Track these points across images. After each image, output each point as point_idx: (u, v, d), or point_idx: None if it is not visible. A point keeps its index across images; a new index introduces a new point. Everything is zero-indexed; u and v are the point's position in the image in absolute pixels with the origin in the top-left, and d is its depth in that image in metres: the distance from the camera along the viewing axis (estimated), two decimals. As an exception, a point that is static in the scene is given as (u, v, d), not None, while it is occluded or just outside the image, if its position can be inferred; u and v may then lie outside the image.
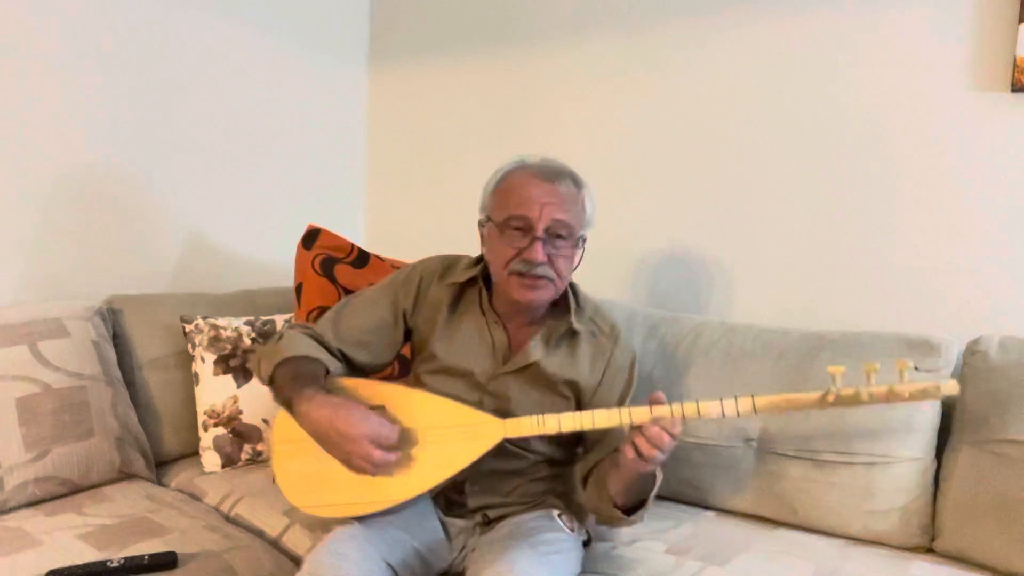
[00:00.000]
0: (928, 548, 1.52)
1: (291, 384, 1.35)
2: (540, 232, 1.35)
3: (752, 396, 1.23)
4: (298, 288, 2.01)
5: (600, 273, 2.19)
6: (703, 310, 2.02)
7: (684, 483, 1.72)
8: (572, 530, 1.41)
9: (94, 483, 1.76)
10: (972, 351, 1.57)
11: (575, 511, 1.49)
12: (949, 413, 1.57)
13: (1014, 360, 1.50)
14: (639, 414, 1.23)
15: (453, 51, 2.49)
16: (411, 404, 1.37)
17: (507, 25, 2.36)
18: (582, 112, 2.23)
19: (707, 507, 1.71)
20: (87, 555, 1.45)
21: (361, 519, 1.34)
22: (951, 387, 1.15)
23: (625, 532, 1.56)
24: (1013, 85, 1.60)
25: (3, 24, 1.87)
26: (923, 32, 1.72)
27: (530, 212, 1.36)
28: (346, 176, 2.70)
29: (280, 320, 2.04)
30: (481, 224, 1.46)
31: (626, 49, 2.14)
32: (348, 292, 1.94)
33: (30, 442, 1.66)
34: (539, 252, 1.35)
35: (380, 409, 1.35)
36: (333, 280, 1.98)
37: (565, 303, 1.47)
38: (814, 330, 1.70)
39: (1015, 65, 1.59)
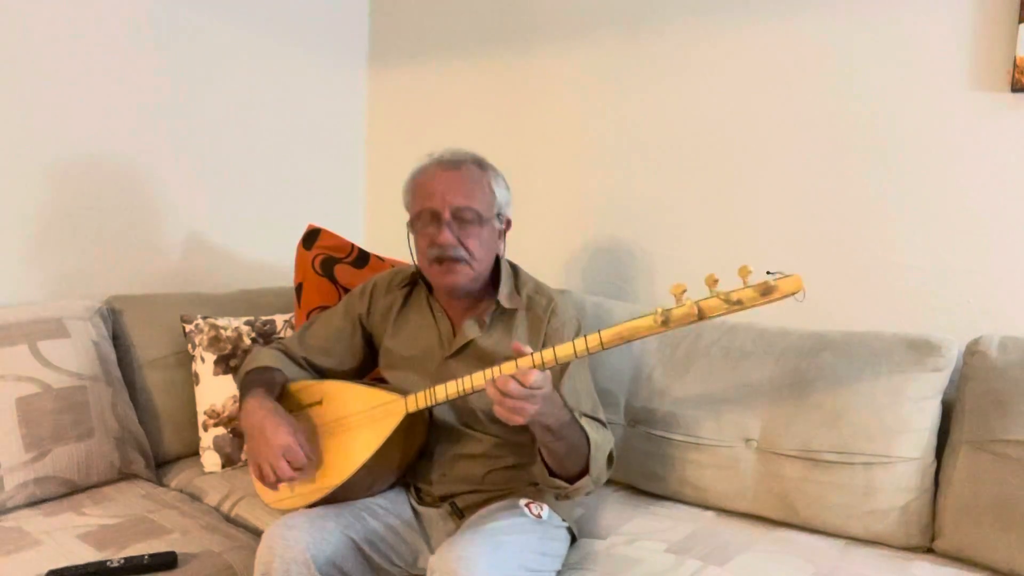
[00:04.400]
0: (928, 548, 1.52)
1: (246, 389, 1.52)
2: (447, 216, 1.44)
3: (598, 331, 1.25)
4: (298, 288, 2.01)
5: (600, 273, 2.20)
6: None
7: (684, 483, 1.72)
8: (539, 516, 1.41)
9: (94, 483, 1.76)
10: (972, 351, 1.57)
11: (551, 499, 1.48)
12: (949, 413, 1.57)
13: (1014, 360, 1.50)
14: (507, 368, 1.25)
15: (453, 51, 2.49)
16: (345, 394, 1.49)
17: (506, 26, 2.36)
18: (582, 112, 2.23)
19: (707, 507, 1.71)
20: (87, 555, 1.45)
21: (326, 503, 1.44)
22: (790, 283, 1.10)
23: (625, 531, 1.56)
24: (1013, 85, 1.60)
25: (3, 25, 1.87)
26: (923, 32, 1.71)
27: (433, 202, 1.45)
28: (346, 176, 2.70)
29: (280, 320, 2.04)
30: (408, 228, 1.54)
31: (625, 50, 2.14)
32: (348, 292, 1.94)
33: (30, 442, 1.66)
34: (446, 235, 1.43)
35: (318, 404, 1.50)
36: (333, 280, 1.98)
37: (497, 284, 1.53)
38: (814, 330, 1.70)
39: (1015, 65, 1.59)
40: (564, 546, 1.46)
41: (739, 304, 1.16)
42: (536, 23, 2.30)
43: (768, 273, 1.17)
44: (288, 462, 1.38)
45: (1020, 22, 1.59)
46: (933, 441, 1.54)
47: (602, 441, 1.40)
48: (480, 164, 1.52)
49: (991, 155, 1.66)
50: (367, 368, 1.68)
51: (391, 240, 2.60)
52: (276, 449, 1.38)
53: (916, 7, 1.72)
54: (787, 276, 1.14)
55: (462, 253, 1.45)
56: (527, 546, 1.34)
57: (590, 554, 1.47)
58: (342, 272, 1.99)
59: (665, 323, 1.20)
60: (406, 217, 1.53)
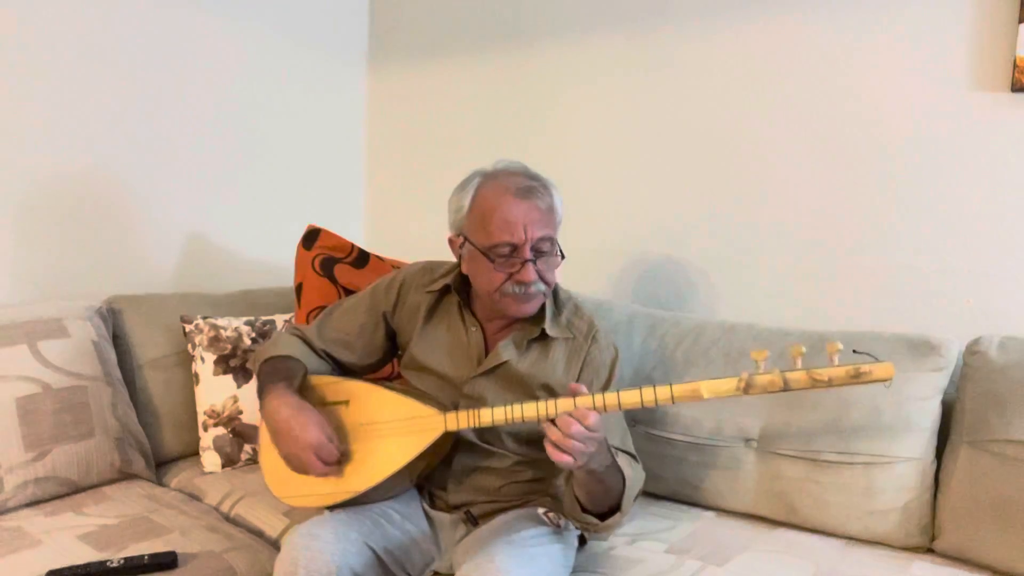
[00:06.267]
0: (928, 548, 1.52)
1: (267, 379, 1.45)
2: (529, 254, 1.37)
3: (670, 385, 1.20)
4: (298, 288, 2.01)
5: (601, 273, 2.20)
6: (703, 310, 2.02)
7: (684, 483, 1.72)
8: (559, 525, 1.40)
9: (94, 483, 1.76)
10: (972, 351, 1.57)
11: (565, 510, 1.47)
12: (949, 413, 1.57)
13: (1014, 360, 1.50)
14: (563, 405, 1.21)
15: (453, 51, 2.49)
16: (374, 399, 1.43)
17: (507, 25, 2.36)
18: (582, 112, 2.23)
19: (707, 507, 1.71)
20: (87, 555, 1.45)
21: (342, 507, 1.40)
22: (883, 370, 1.08)
23: (625, 531, 1.56)
24: (1013, 85, 1.60)
25: (4, 26, 1.87)
26: (923, 32, 1.71)
27: (515, 237, 1.37)
28: (346, 176, 2.70)
29: (280, 320, 2.04)
30: (456, 242, 1.46)
31: (626, 50, 2.14)
32: (348, 292, 1.94)
33: (30, 442, 1.66)
34: (532, 274, 1.37)
35: (344, 404, 1.44)
36: (333, 280, 1.99)
37: (543, 306, 1.47)
38: (814, 330, 1.70)
39: (1015, 65, 1.59)
40: (574, 551, 1.44)
41: (827, 383, 1.12)
42: (536, 23, 2.30)
43: (855, 352, 1.14)
44: (321, 459, 1.34)
45: (1020, 22, 1.59)
46: (933, 441, 1.54)
47: (636, 479, 1.37)
48: (546, 185, 1.45)
49: (991, 155, 1.66)
50: (387, 362, 1.64)
51: (391, 240, 2.60)
52: (306, 448, 1.34)
53: (916, 7, 1.72)
54: (880, 363, 1.11)
55: (542, 287, 1.41)
56: (553, 559, 1.34)
57: (591, 555, 1.47)
58: (342, 272, 1.99)
59: (747, 389, 1.16)
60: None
